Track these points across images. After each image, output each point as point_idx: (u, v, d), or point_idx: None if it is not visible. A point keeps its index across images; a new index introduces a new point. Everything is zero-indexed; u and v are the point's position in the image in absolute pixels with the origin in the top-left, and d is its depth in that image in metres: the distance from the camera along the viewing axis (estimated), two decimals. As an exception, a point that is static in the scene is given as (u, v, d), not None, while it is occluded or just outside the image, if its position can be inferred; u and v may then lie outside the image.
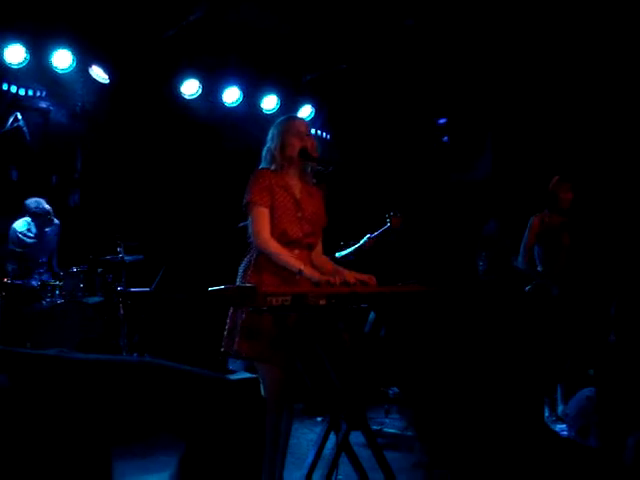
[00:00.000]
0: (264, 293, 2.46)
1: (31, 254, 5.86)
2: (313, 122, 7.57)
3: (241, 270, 3.08)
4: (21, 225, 6.01)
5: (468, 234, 6.66)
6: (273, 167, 3.11)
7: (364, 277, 2.98)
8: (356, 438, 2.89)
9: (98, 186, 6.79)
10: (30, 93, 6.36)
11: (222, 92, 7.15)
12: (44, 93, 6.48)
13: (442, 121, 8.09)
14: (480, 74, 6.95)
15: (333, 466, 2.79)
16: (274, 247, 2.97)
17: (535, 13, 5.81)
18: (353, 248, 5.08)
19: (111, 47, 6.32)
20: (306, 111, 7.60)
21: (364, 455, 2.99)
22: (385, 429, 4.74)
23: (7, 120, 5.84)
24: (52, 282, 5.78)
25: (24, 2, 5.71)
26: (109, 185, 6.74)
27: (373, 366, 3.34)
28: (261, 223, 2.99)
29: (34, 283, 5.74)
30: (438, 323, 3.85)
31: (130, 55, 6.46)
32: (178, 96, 6.88)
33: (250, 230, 3.03)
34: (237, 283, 3.03)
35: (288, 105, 7.39)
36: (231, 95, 7.18)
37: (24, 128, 5.83)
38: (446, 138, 8.13)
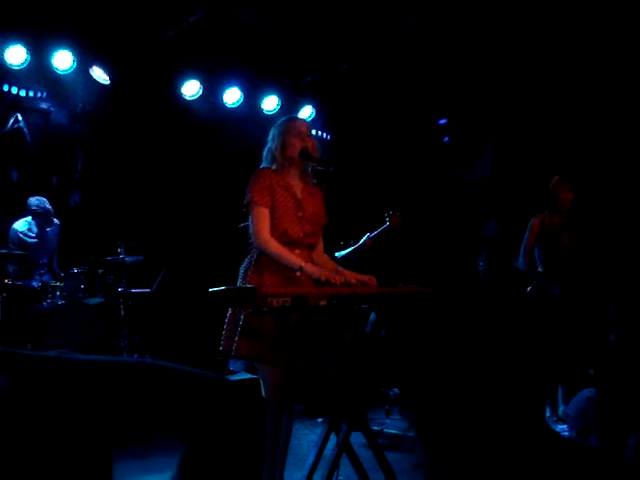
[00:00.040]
0: (264, 294, 2.46)
1: (32, 255, 5.87)
2: (313, 123, 7.57)
3: (242, 271, 3.08)
4: (22, 225, 6.01)
5: (468, 234, 6.66)
6: (274, 167, 3.11)
7: (365, 278, 2.98)
8: (357, 439, 2.89)
9: (99, 187, 6.79)
10: (31, 94, 6.37)
11: (223, 93, 7.16)
12: (45, 94, 6.48)
13: (442, 122, 8.09)
14: (480, 74, 6.95)
15: (334, 467, 2.79)
16: (274, 247, 2.98)
17: (535, 13, 5.81)
18: (353, 248, 5.08)
19: (112, 48, 6.33)
20: (306, 112, 7.61)
21: (365, 456, 2.99)
22: (386, 430, 4.73)
23: (8, 121, 5.85)
24: (53, 283, 5.78)
25: (25, 3, 5.72)
26: (110, 186, 6.75)
27: (374, 367, 3.35)
28: (261, 223, 3.00)
29: (35, 284, 5.75)
30: (438, 324, 3.85)
31: (131, 56, 6.47)
32: (179, 97, 6.89)
33: (250, 230, 3.04)
34: (238, 284, 3.03)
35: (289, 106, 7.40)
36: (232, 96, 7.19)
37: (25, 129, 5.84)
38: (447, 139, 8.13)
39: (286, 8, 6.02)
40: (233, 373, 5.24)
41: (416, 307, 3.14)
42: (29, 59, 5.91)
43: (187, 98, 6.91)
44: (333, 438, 2.87)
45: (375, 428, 4.46)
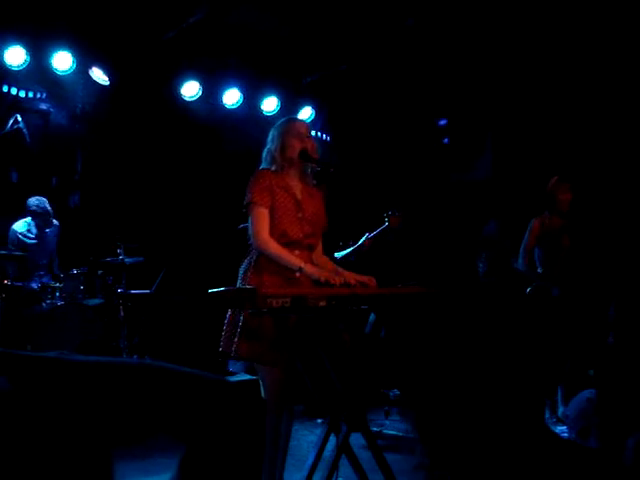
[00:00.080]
0: (264, 295, 2.46)
1: (31, 256, 5.86)
2: (313, 124, 7.57)
3: (241, 272, 3.08)
4: (21, 226, 6.01)
5: (468, 235, 6.66)
6: (273, 168, 3.11)
7: (364, 278, 2.98)
8: (356, 440, 2.89)
9: (98, 188, 6.79)
10: (30, 95, 6.37)
11: (222, 94, 7.16)
12: (44, 95, 6.49)
13: (442, 122, 8.10)
14: (480, 75, 6.95)
15: (333, 468, 2.79)
16: (274, 247, 2.98)
17: (535, 13, 5.82)
18: (352, 248, 5.07)
19: (111, 49, 6.33)
20: (306, 113, 7.61)
21: (364, 457, 2.99)
22: (385, 431, 4.74)
23: (7, 122, 5.84)
24: (52, 284, 5.78)
25: (24, 4, 5.72)
26: (109, 187, 6.75)
27: (373, 367, 3.35)
28: (261, 224, 3.00)
29: (34, 285, 5.74)
30: (438, 324, 3.85)
31: (130, 57, 6.47)
32: (178, 98, 6.89)
33: (250, 231, 3.04)
34: (237, 285, 3.04)
35: (288, 107, 7.40)
36: (231, 97, 7.19)
37: (24, 130, 5.82)
38: (446, 140, 8.13)
39: (286, 9, 6.03)
40: (233, 374, 5.24)
41: (416, 308, 3.14)
42: (29, 60, 5.91)
43: (187, 99, 6.91)
44: (333, 439, 2.87)
45: (374, 429, 4.46)
